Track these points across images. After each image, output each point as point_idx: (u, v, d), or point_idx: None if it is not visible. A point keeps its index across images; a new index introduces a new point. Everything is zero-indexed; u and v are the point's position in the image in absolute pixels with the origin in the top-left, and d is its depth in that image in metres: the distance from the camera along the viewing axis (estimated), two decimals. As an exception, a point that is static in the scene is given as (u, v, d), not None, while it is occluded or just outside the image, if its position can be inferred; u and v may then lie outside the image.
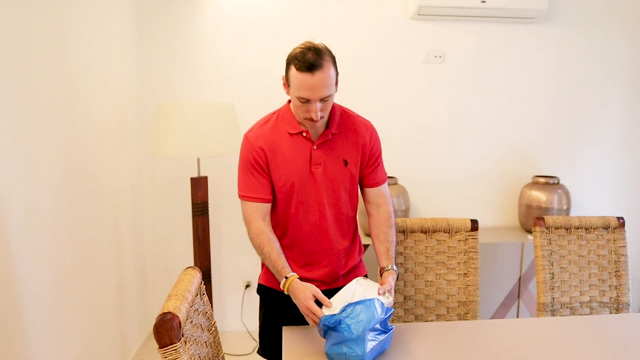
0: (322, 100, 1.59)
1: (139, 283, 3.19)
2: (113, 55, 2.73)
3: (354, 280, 1.62)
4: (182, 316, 1.18)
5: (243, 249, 3.38)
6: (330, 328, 1.42)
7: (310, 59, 1.53)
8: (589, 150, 3.44)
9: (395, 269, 1.73)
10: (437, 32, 3.26)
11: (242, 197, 1.74)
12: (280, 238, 1.79)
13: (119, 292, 2.81)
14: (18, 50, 1.81)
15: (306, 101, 1.59)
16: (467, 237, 2.11)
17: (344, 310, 1.43)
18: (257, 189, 1.72)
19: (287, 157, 1.70)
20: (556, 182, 3.17)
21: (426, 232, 2.10)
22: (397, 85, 3.27)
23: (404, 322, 2.06)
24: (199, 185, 2.81)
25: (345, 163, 1.75)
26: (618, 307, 2.20)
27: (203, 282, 1.54)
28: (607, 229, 2.23)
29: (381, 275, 1.73)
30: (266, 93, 3.23)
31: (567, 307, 2.17)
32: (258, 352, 1.91)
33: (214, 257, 3.32)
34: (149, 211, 3.31)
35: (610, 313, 2.20)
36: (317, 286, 1.73)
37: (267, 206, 1.75)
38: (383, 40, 3.24)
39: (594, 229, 2.22)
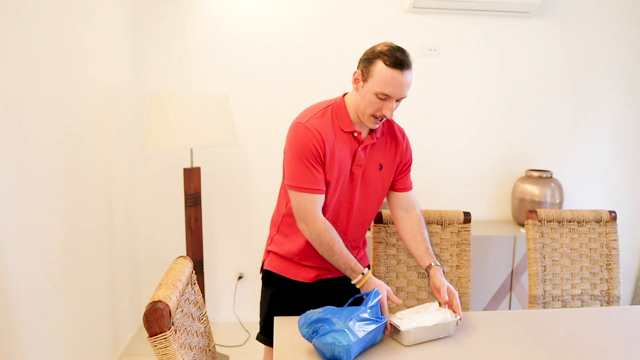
0: (398, 100, 1.60)
1: (132, 274, 3.18)
2: (106, 46, 2.71)
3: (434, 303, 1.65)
4: (172, 305, 1.17)
5: (236, 240, 3.38)
6: (313, 322, 1.41)
7: (400, 57, 1.56)
8: (582, 144, 3.45)
9: (439, 264, 1.74)
10: (432, 26, 3.25)
11: (300, 188, 1.65)
12: (304, 238, 1.76)
13: (112, 282, 2.80)
14: (8, 41, 1.79)
15: (385, 98, 1.58)
16: (460, 229, 2.11)
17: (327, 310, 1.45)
18: (316, 180, 1.65)
19: (339, 153, 1.68)
20: (549, 175, 3.18)
21: (419, 224, 2.10)
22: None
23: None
24: (192, 176, 2.80)
25: (381, 167, 1.77)
26: (609, 300, 2.21)
27: (194, 272, 1.54)
28: (599, 222, 2.24)
29: (428, 274, 1.74)
30: (260, 84, 3.22)
31: (558, 300, 2.18)
32: (257, 337, 1.91)
33: (206, 249, 3.32)
34: (142, 202, 3.30)
35: (601, 306, 2.21)
36: (323, 274, 1.81)
37: (323, 198, 1.69)
38: (378, 34, 3.22)
39: (586, 222, 2.23)
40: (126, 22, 3.03)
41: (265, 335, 1.87)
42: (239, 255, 3.40)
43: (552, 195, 3.12)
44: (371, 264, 2.07)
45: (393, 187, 1.86)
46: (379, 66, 1.56)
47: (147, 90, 3.16)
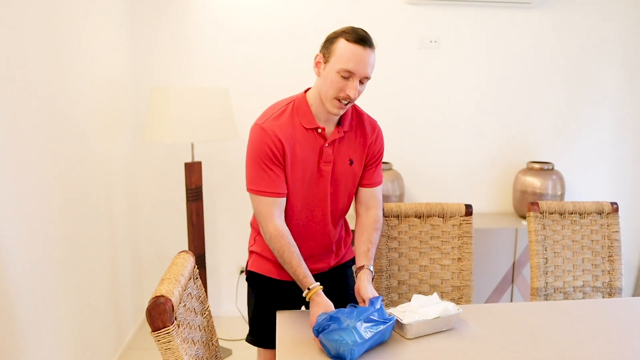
0: (361, 82, 1.57)
1: (134, 269, 3.19)
2: (105, 40, 2.70)
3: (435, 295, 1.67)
4: (174, 300, 1.18)
5: (237, 234, 3.38)
6: (324, 320, 1.43)
7: (363, 34, 1.55)
8: (584, 136, 3.44)
9: (371, 269, 1.70)
10: (432, 17, 3.23)
11: (255, 191, 1.62)
12: None
13: (114, 278, 2.80)
14: (7, 35, 1.78)
15: (348, 76, 1.53)
16: (462, 222, 2.11)
17: (339, 310, 1.48)
18: (273, 183, 1.61)
19: (301, 152, 1.64)
20: (551, 167, 3.17)
21: (420, 216, 2.10)
22: (392, 70, 3.25)
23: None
24: (193, 171, 2.80)
25: (351, 162, 1.72)
26: (611, 291, 2.21)
27: (196, 267, 1.54)
28: (600, 214, 2.23)
29: (356, 274, 1.71)
30: (260, 77, 3.21)
31: (560, 292, 2.18)
32: (247, 339, 1.86)
33: (208, 243, 3.32)
34: (143, 197, 3.30)
35: (603, 297, 2.21)
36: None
37: (284, 201, 1.65)
38: (378, 25, 3.21)
39: (587, 214, 2.23)
40: (126, 15, 3.02)
41: (254, 337, 1.85)
42: (241, 249, 3.40)
43: (554, 187, 3.11)
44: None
45: (359, 182, 1.81)
46: (341, 43, 1.53)
47: (148, 85, 3.15)
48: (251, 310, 1.87)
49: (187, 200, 2.81)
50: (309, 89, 1.71)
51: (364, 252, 1.74)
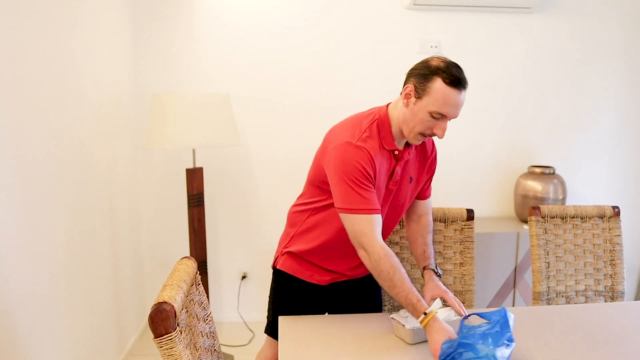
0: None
1: (135, 274, 3.19)
2: (107, 46, 2.71)
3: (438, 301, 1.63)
4: (177, 306, 1.18)
5: (239, 240, 3.38)
6: (455, 348, 1.32)
7: (459, 75, 1.50)
8: (585, 140, 3.44)
9: (434, 268, 1.74)
10: (433, 22, 3.24)
11: (354, 210, 1.53)
12: (330, 239, 1.72)
13: (116, 283, 2.80)
14: (10, 41, 1.79)
15: (439, 118, 1.52)
16: (463, 226, 2.11)
17: (465, 335, 1.35)
18: (371, 201, 1.54)
19: (380, 171, 1.61)
20: (552, 172, 3.17)
21: (422, 221, 2.10)
22: (392, 75, 3.26)
23: (400, 311, 2.06)
24: (195, 176, 2.80)
25: (411, 180, 1.74)
26: (613, 295, 2.21)
27: (199, 273, 1.54)
28: (602, 218, 2.23)
29: (423, 275, 1.76)
30: (261, 83, 3.22)
31: (562, 296, 2.18)
32: (266, 330, 1.89)
33: (209, 249, 3.32)
34: (145, 203, 3.30)
35: (605, 301, 2.21)
36: (338, 277, 1.78)
37: (381, 219, 1.58)
38: (378, 30, 3.22)
39: (589, 218, 2.22)
40: (127, 22, 3.03)
41: (273, 329, 1.86)
42: (243, 255, 3.41)
43: (555, 191, 3.11)
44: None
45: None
46: (438, 84, 1.49)
47: (149, 91, 3.16)
48: (273, 307, 1.87)
49: (189, 206, 2.81)
50: (389, 103, 1.69)
51: (421, 254, 1.79)
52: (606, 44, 3.34)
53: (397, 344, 1.52)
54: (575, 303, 2.18)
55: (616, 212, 2.23)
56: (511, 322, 1.33)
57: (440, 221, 2.11)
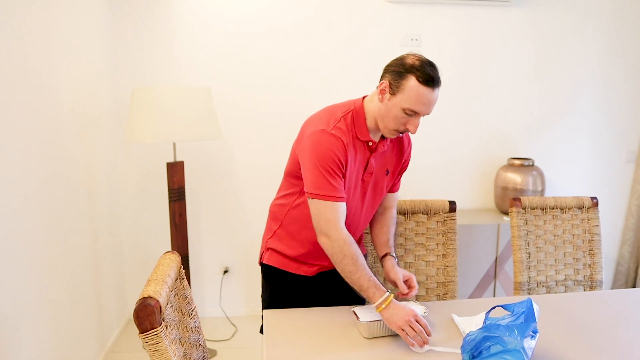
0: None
1: (116, 270, 3.15)
2: (86, 40, 2.66)
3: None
4: (162, 300, 1.17)
5: (221, 234, 3.36)
6: (479, 342, 1.31)
7: (433, 74, 1.53)
8: (563, 132, 3.49)
9: (394, 255, 1.79)
10: (413, 16, 3.25)
11: (322, 196, 1.57)
12: (312, 233, 1.70)
13: (96, 279, 2.77)
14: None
15: (412, 115, 1.56)
16: (446, 218, 2.12)
17: (488, 327, 1.33)
18: (338, 189, 1.58)
19: (352, 161, 1.64)
20: (531, 164, 3.21)
21: (405, 214, 2.11)
22: (373, 68, 3.25)
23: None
24: (175, 171, 2.77)
25: (387, 172, 1.77)
26: (592, 284, 2.25)
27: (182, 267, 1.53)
28: (581, 208, 2.27)
29: (381, 263, 1.79)
30: (243, 76, 3.20)
31: (543, 286, 2.21)
32: (261, 331, 1.86)
33: (191, 243, 3.30)
34: (125, 197, 3.26)
35: (584, 290, 2.25)
36: (325, 267, 1.80)
37: (345, 207, 1.62)
38: (360, 23, 3.22)
39: (568, 209, 2.26)
40: (106, 14, 2.98)
41: None
42: (225, 249, 3.39)
43: (534, 183, 3.16)
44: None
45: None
46: (411, 82, 1.52)
47: (129, 84, 3.11)
48: (266, 303, 1.87)
49: (170, 201, 2.78)
50: (365, 96, 1.71)
51: (384, 242, 1.83)
52: (582, 37, 3.39)
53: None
54: (556, 292, 2.22)
55: (594, 202, 2.27)
56: (536, 314, 1.32)
57: (422, 213, 2.12)
